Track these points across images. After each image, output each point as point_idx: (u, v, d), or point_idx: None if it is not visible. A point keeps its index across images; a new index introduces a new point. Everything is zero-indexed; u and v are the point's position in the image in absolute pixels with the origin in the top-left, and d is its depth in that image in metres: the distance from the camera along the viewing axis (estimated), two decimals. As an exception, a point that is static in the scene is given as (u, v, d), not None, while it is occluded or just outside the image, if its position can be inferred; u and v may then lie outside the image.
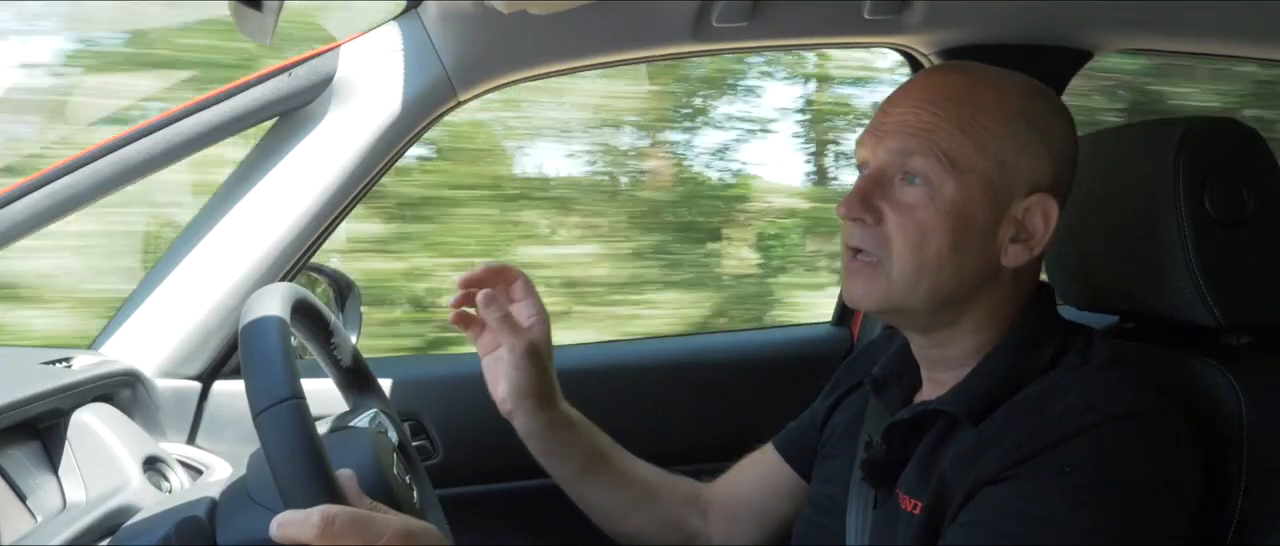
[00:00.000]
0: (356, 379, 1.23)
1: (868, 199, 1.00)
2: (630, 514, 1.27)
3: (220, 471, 1.29)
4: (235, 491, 1.02)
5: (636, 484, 1.28)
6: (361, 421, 1.16)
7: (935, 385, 1.06)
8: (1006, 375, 0.98)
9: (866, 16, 1.45)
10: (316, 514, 0.81)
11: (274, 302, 0.95)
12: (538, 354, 1.17)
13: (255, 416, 0.85)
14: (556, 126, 3.67)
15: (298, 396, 0.86)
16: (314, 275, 1.49)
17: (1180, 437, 0.92)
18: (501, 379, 1.19)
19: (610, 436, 1.28)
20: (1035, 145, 0.99)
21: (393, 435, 1.19)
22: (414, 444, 1.43)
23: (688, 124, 3.85)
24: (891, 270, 0.99)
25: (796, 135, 4.07)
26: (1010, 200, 0.99)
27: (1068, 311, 1.08)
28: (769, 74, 3.87)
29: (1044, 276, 1.09)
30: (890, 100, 1.04)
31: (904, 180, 0.99)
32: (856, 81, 3.91)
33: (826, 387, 1.28)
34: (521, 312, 1.19)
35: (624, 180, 3.82)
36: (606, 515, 1.28)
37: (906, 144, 0.99)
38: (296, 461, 0.83)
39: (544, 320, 1.20)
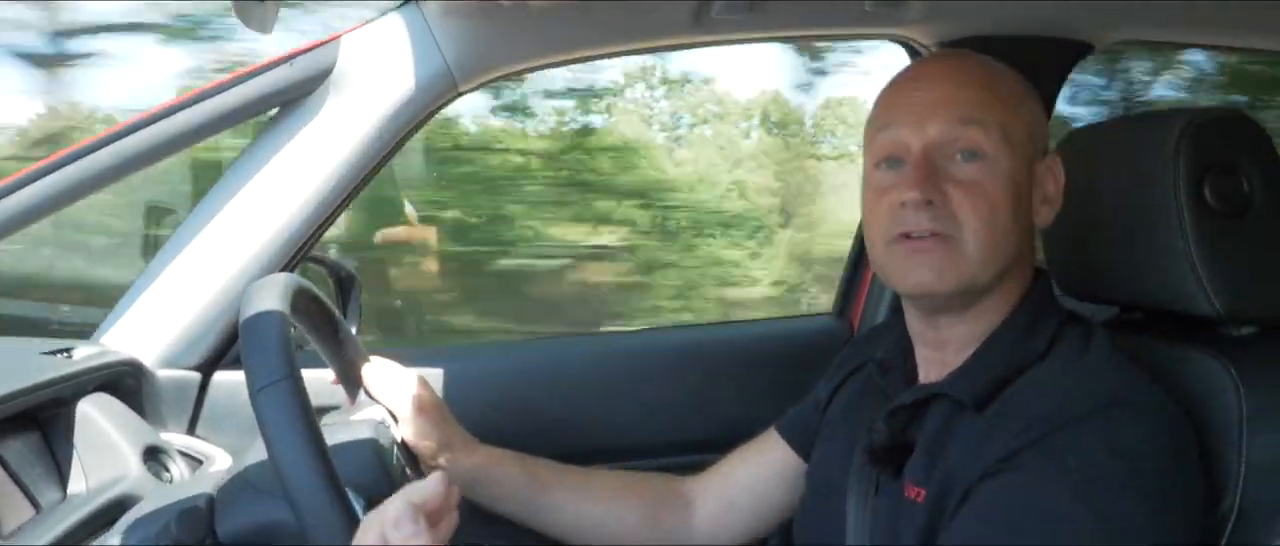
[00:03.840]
0: (357, 370, 1.23)
1: (932, 180, 0.98)
2: (596, 525, 1.27)
3: (220, 462, 1.29)
4: (235, 481, 1.02)
5: (594, 495, 1.29)
6: (362, 413, 1.16)
7: (937, 366, 1.06)
8: (1008, 359, 0.99)
9: (867, 8, 1.45)
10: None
11: (274, 293, 0.95)
12: (427, 408, 1.23)
13: (253, 394, 0.86)
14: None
15: (294, 377, 0.87)
16: (314, 266, 1.49)
17: (1174, 423, 0.93)
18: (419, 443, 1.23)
19: (608, 428, 1.28)
20: (1037, 110, 1.05)
21: (392, 427, 1.20)
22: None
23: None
24: (967, 247, 0.97)
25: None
26: (1034, 164, 1.03)
27: (1068, 303, 1.08)
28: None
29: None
30: (910, 84, 1.04)
31: (961, 157, 0.98)
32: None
33: (828, 372, 1.27)
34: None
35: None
36: (572, 533, 1.28)
37: (965, 117, 0.98)
38: (292, 436, 0.84)
39: (420, 380, 1.25)
